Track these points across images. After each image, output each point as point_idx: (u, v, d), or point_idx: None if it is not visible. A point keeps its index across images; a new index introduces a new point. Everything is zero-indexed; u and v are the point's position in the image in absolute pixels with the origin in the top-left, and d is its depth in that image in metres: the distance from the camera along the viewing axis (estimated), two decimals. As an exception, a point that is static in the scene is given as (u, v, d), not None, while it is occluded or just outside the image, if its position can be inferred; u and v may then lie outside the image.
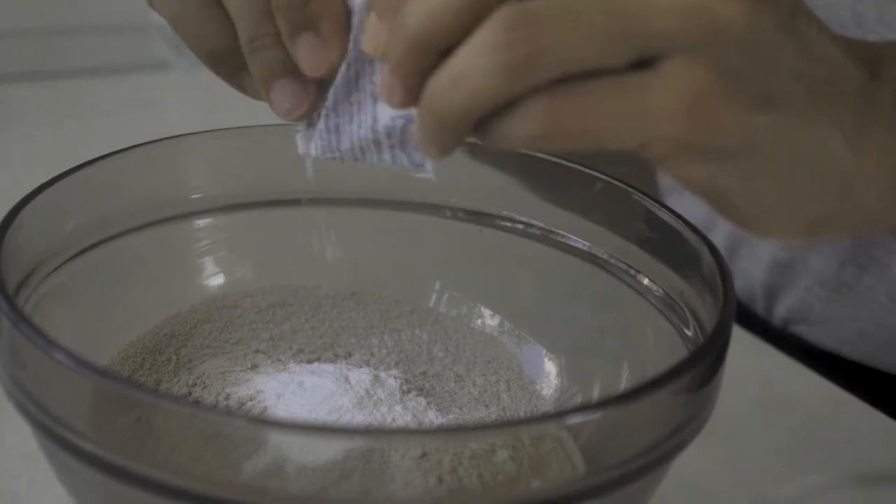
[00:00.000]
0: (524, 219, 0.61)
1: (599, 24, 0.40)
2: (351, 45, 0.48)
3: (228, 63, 0.52)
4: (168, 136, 0.60)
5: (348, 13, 0.48)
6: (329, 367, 0.58)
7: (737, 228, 0.80)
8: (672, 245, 0.55)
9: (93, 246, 0.57)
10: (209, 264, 0.62)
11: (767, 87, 0.42)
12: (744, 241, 0.81)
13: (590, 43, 0.40)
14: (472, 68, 0.41)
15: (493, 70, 0.40)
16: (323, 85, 0.49)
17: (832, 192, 0.45)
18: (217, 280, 0.62)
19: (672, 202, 0.83)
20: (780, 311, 0.80)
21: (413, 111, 0.45)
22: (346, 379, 0.55)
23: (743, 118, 0.42)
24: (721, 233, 0.82)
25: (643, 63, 0.41)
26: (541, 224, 0.60)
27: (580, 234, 0.59)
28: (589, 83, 0.41)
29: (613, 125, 0.41)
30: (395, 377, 0.57)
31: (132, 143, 0.59)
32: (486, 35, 0.40)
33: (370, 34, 0.45)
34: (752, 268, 0.81)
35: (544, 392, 0.59)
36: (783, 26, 0.42)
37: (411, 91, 0.43)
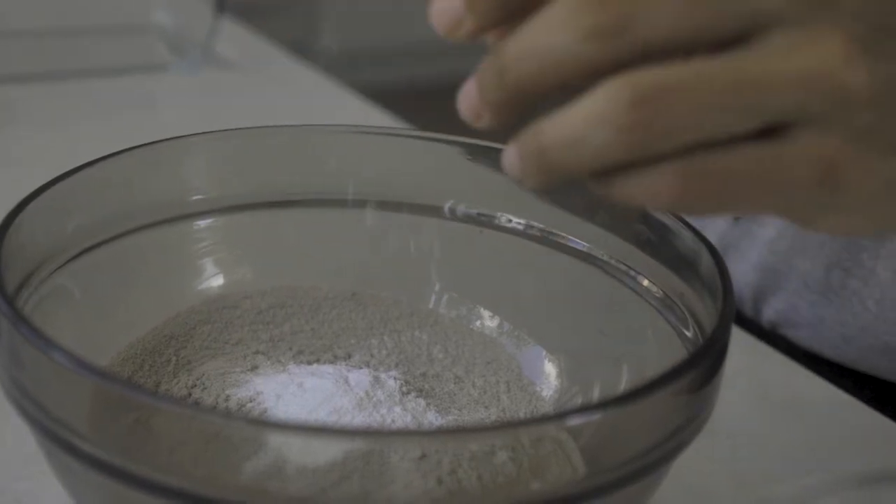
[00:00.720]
0: (524, 220, 0.61)
1: (724, 99, 0.40)
2: None
3: None
4: (167, 137, 0.60)
5: None
6: (329, 369, 0.58)
7: (727, 231, 0.81)
8: (671, 246, 0.55)
9: (93, 247, 0.57)
10: (209, 265, 0.62)
11: None
12: (732, 244, 0.81)
13: (715, 118, 0.40)
14: (591, 138, 0.40)
15: (617, 145, 0.40)
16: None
17: None
18: (217, 281, 0.62)
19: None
20: (769, 314, 0.80)
21: None
22: (346, 380, 0.55)
23: (878, 168, 0.42)
24: (711, 235, 0.82)
25: (771, 128, 0.41)
26: (541, 225, 0.60)
27: (580, 235, 0.59)
28: (720, 154, 0.40)
29: (749, 196, 0.41)
30: (394, 378, 0.57)
31: (130, 144, 0.59)
32: (608, 108, 0.39)
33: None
34: (740, 271, 0.81)
35: (544, 393, 0.59)
36: None
37: (500, 120, 0.42)
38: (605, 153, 0.40)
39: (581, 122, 0.40)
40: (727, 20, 0.40)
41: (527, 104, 0.42)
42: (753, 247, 0.80)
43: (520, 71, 0.41)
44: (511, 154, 0.42)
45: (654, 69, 0.40)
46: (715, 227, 0.82)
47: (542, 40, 0.40)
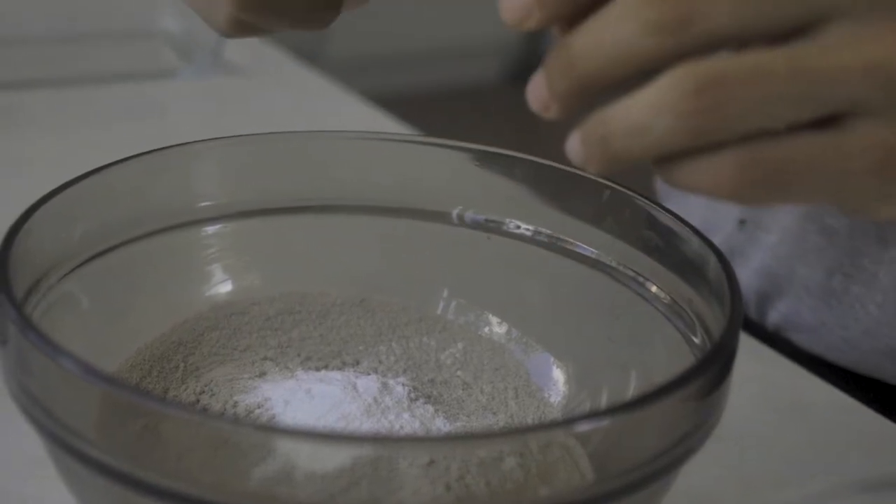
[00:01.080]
0: (532, 226, 0.61)
1: (785, 89, 0.40)
2: None
3: None
4: (175, 143, 0.60)
5: None
6: (337, 375, 0.58)
7: (731, 236, 0.81)
8: (679, 252, 0.55)
9: (101, 253, 0.57)
10: (217, 271, 0.62)
11: None
12: (737, 249, 0.81)
13: (776, 107, 0.41)
14: (653, 126, 0.41)
15: (679, 132, 0.40)
16: None
17: None
18: (225, 287, 0.62)
19: (670, 206, 0.83)
20: (773, 318, 0.80)
21: None
22: (354, 386, 0.56)
23: None
24: (716, 240, 0.82)
25: (828, 118, 0.41)
26: (549, 231, 0.60)
27: (588, 241, 0.59)
28: (779, 143, 0.41)
29: (807, 185, 0.42)
30: (402, 385, 0.57)
31: (138, 151, 0.59)
32: (670, 97, 0.40)
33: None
34: (744, 276, 0.81)
35: (552, 399, 0.59)
36: None
37: (568, 111, 0.43)
38: (667, 141, 0.41)
39: (644, 111, 0.41)
40: (788, 13, 0.41)
41: (594, 95, 0.43)
42: (757, 253, 0.80)
43: (586, 64, 0.42)
44: (575, 141, 0.43)
45: (717, 58, 0.40)
46: (722, 232, 0.82)
47: (608, 34, 0.41)
